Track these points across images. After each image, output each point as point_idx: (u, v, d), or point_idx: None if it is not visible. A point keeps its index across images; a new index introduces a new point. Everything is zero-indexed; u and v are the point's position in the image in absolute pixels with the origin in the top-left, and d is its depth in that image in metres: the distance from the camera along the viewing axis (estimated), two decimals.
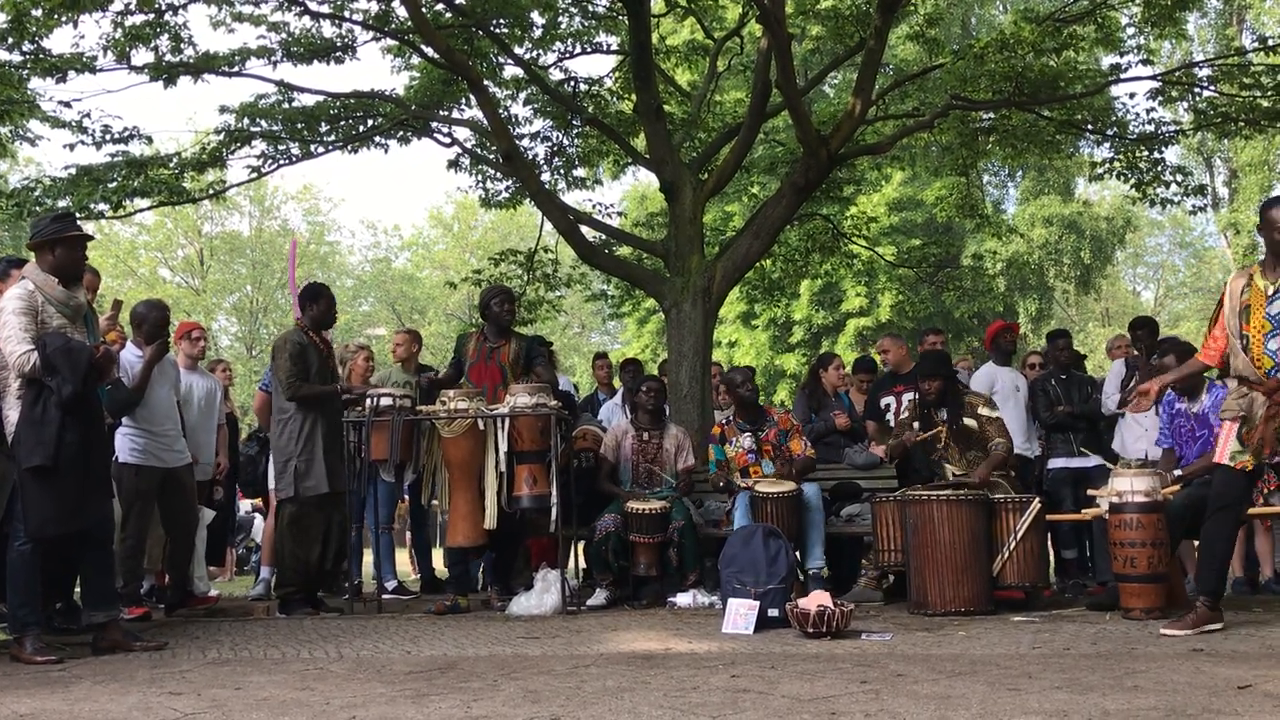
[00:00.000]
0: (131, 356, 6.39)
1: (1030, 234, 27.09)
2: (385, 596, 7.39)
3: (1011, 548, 6.04)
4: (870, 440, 7.70)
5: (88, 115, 9.65)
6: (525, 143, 11.89)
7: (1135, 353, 7.70)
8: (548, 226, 10.93)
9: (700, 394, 8.96)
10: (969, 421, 6.64)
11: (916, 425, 6.81)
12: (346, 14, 10.14)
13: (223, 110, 10.39)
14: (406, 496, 8.45)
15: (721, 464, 7.15)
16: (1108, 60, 10.88)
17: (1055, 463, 7.77)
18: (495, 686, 3.95)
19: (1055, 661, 4.28)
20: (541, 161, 12.21)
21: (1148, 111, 10.40)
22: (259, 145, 10.47)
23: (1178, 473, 6.09)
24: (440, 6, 10.13)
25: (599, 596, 6.82)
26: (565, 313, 20.72)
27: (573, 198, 12.44)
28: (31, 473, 4.80)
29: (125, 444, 6.26)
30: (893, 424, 7.70)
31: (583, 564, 7.19)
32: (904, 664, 4.29)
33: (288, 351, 6.69)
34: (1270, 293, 4.92)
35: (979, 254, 23.56)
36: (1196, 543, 6.59)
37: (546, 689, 3.86)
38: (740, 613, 5.44)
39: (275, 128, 10.49)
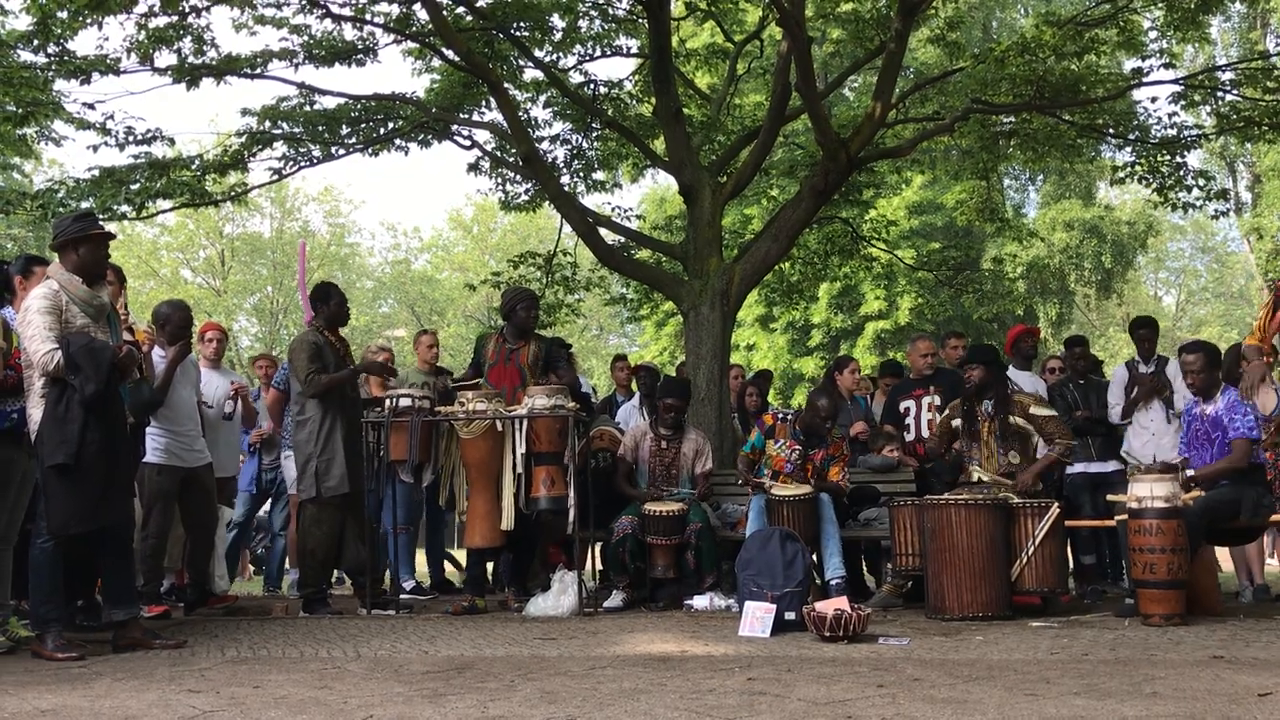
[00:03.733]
0: (155, 357, 6.44)
1: (1051, 238, 26.97)
2: (403, 597, 7.42)
3: (1030, 553, 6.02)
4: (882, 443, 7.65)
5: (111, 117, 9.71)
6: (545, 145, 11.91)
7: (1142, 366, 7.61)
8: (567, 229, 10.95)
9: (718, 397, 8.95)
10: (1018, 420, 6.57)
11: (957, 423, 6.74)
12: (368, 17, 10.19)
13: (244, 112, 10.46)
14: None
15: (757, 450, 7.10)
16: (1129, 64, 10.83)
17: (1074, 468, 7.73)
18: (512, 687, 3.96)
19: (1073, 667, 4.26)
20: (561, 164, 12.23)
21: (1170, 115, 10.35)
22: (280, 147, 10.54)
23: (1190, 473, 6.04)
24: (461, 9, 10.16)
25: (616, 598, 6.83)
26: (584, 315, 20.76)
27: (592, 200, 12.47)
28: (54, 471, 4.84)
29: (148, 443, 6.31)
30: (911, 428, 7.68)
31: (599, 566, 7.20)
32: (921, 668, 4.28)
33: (305, 351, 6.69)
34: None
35: (999, 258, 23.47)
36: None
37: (563, 690, 3.87)
38: (757, 616, 5.43)
39: (296, 130, 10.54)
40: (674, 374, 10.27)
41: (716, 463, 7.93)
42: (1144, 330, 7.85)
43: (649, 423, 7.48)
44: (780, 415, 7.26)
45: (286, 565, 9.11)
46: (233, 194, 10.96)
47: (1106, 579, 7.82)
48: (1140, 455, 7.16)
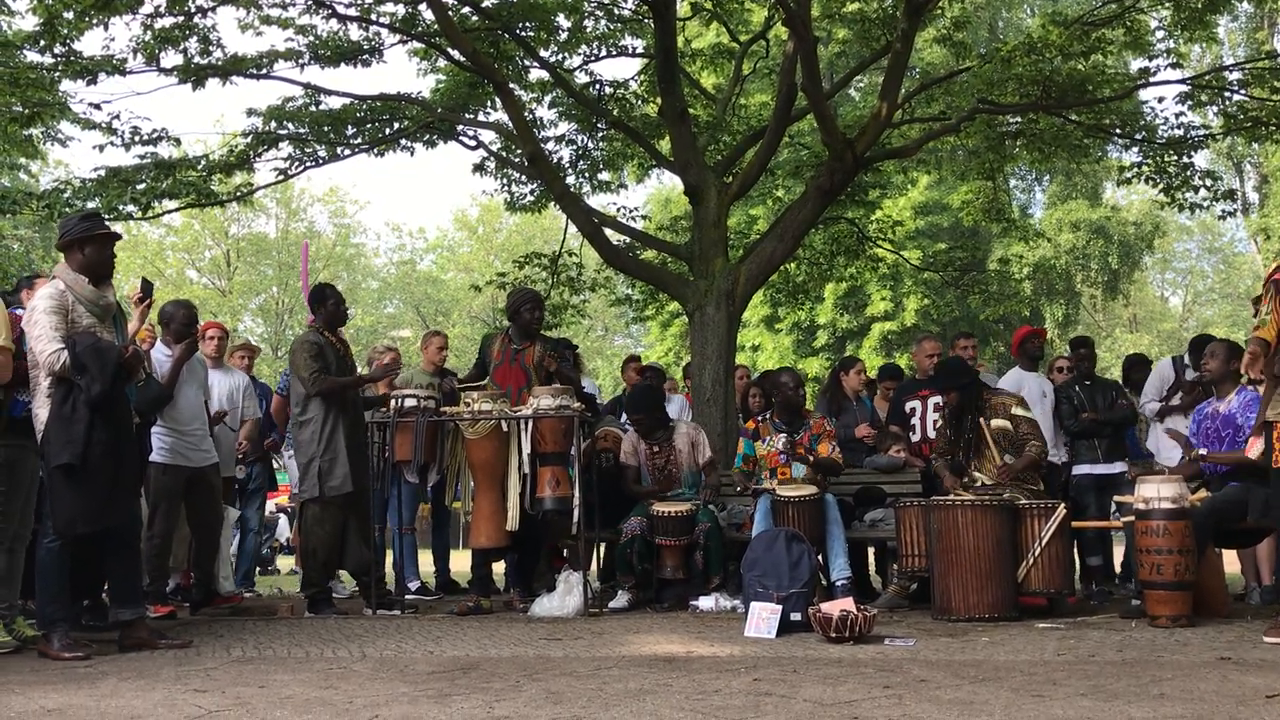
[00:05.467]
0: (160, 356, 6.44)
1: (1057, 238, 26.93)
2: (408, 597, 7.42)
3: (1036, 554, 6.00)
4: (889, 444, 7.63)
5: (117, 117, 9.73)
6: (550, 146, 11.91)
7: (1190, 371, 7.58)
8: (572, 229, 10.95)
9: (724, 397, 8.95)
10: (1001, 422, 6.56)
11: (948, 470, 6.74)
12: (373, 17, 10.20)
13: (250, 113, 10.47)
14: (429, 496, 8.46)
15: (749, 459, 7.11)
16: (1136, 64, 10.82)
17: (1079, 469, 7.71)
18: (517, 687, 3.96)
19: (1080, 669, 4.25)
20: (566, 164, 12.23)
21: (1177, 115, 10.33)
22: (286, 147, 10.54)
23: (1203, 451, 6.01)
24: (466, 10, 10.16)
25: (621, 599, 6.81)
26: (589, 316, 20.78)
27: (597, 201, 12.48)
28: (60, 471, 4.84)
29: (154, 443, 6.31)
30: (916, 428, 7.66)
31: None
32: (927, 669, 4.27)
33: (306, 351, 6.69)
34: None
35: (1005, 258, 23.46)
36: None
37: (569, 690, 3.87)
38: (762, 616, 5.42)
39: (302, 130, 10.55)
40: (680, 375, 10.25)
41: (721, 463, 7.92)
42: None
43: (631, 431, 7.43)
44: (760, 417, 7.35)
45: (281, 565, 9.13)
46: (238, 194, 10.98)
47: (1113, 580, 7.80)
48: (1166, 457, 7.13)
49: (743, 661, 4.56)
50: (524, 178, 11.97)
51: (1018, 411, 6.60)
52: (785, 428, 7.05)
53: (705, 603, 6.60)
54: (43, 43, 8.95)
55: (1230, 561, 7.82)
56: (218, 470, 6.81)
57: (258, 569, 11.79)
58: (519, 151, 10.63)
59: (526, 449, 6.46)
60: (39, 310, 4.95)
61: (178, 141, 10.17)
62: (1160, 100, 17.33)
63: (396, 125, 10.90)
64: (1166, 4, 9.58)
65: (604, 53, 11.71)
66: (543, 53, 10.87)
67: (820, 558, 6.62)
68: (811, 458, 6.93)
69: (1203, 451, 6.02)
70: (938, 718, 3.32)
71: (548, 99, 11.83)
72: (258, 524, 8.88)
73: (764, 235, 10.36)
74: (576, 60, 11.69)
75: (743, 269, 9.30)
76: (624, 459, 7.31)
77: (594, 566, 7.45)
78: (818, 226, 11.58)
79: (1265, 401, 5.14)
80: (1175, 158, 10.47)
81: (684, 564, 6.79)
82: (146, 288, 5.91)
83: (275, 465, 9.78)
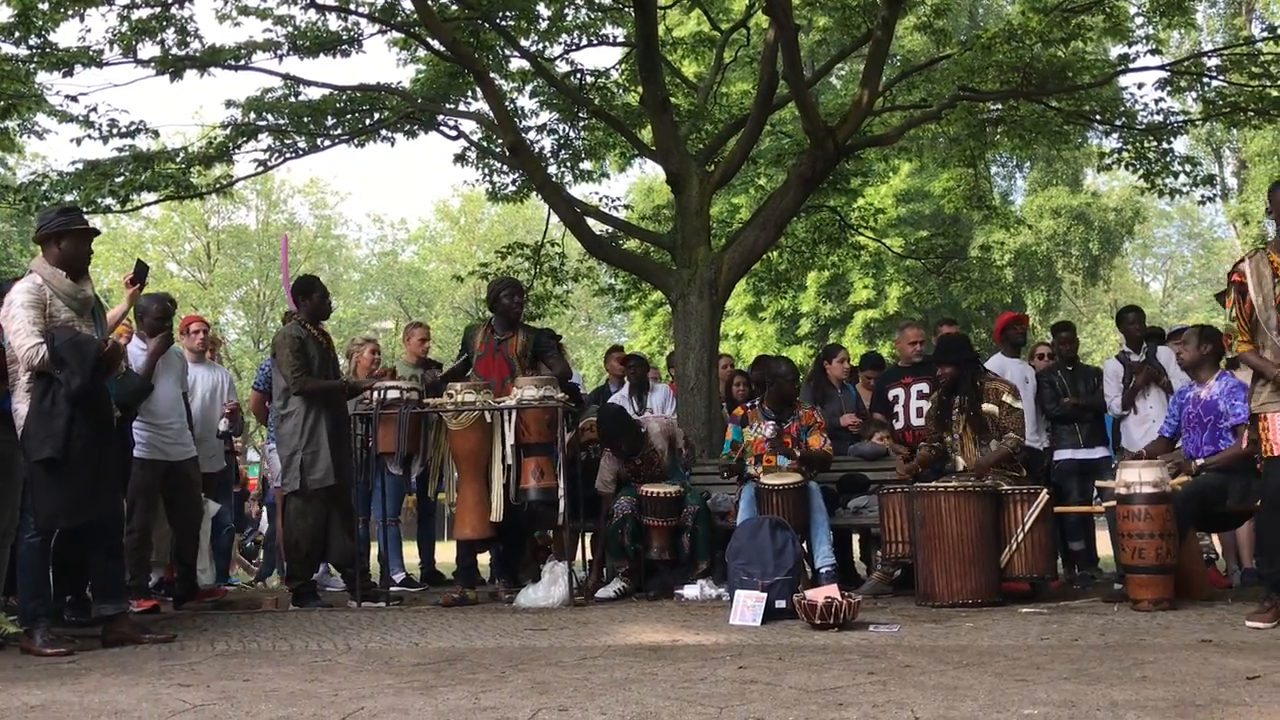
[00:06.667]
0: (135, 350, 6.39)
1: (1038, 225, 27.03)
2: (393, 589, 7.40)
3: (1019, 539, 6.03)
4: (873, 431, 7.65)
5: (94, 109, 9.66)
6: (531, 135, 11.88)
7: (1134, 356, 7.65)
8: (554, 219, 10.92)
9: (707, 386, 8.95)
10: (989, 406, 6.56)
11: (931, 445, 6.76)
12: (352, 7, 10.14)
13: (229, 104, 10.41)
14: (415, 487, 8.44)
15: (737, 445, 7.10)
16: (1116, 50, 10.85)
17: (1061, 454, 7.74)
18: (503, 678, 3.95)
19: (1063, 652, 4.28)
20: (548, 154, 12.20)
21: (1156, 102, 10.38)
22: (265, 139, 10.49)
23: (1199, 462, 6.05)
24: None
25: (610, 588, 6.77)
26: (572, 306, 20.72)
27: (579, 190, 12.52)
28: (41, 466, 4.81)
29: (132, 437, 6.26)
30: (900, 415, 7.67)
31: (589, 555, 7.16)
32: (911, 655, 4.28)
33: (289, 346, 6.64)
34: None
35: (987, 245, 23.56)
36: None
37: (554, 680, 3.87)
38: (747, 604, 5.43)
39: (282, 121, 10.49)
40: (664, 364, 10.23)
41: (705, 451, 7.92)
42: (1132, 315, 7.91)
43: (608, 452, 7.32)
44: (749, 404, 7.33)
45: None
46: (218, 186, 10.92)
47: (1095, 564, 7.85)
48: (1139, 445, 7.16)
49: (728, 649, 4.57)
50: (505, 168, 11.94)
51: (1008, 400, 6.58)
52: (774, 416, 7.05)
53: (690, 591, 6.60)
54: (17, 34, 8.88)
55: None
56: (196, 464, 6.77)
57: (256, 564, 11.78)
58: (500, 141, 10.60)
59: (510, 440, 6.45)
60: (16, 304, 4.90)
61: (156, 134, 10.13)
62: (1140, 86, 17.55)
63: (377, 116, 10.86)
64: None
65: (585, 42, 11.68)
66: (523, 42, 10.84)
67: (804, 545, 6.62)
68: (799, 451, 6.92)
69: (1199, 462, 6.04)
70: (922, 702, 3.33)
71: (529, 88, 11.80)
72: (230, 518, 8.84)
73: (746, 224, 10.36)
74: (557, 49, 11.66)
75: (725, 258, 9.30)
76: (601, 486, 7.10)
77: (579, 556, 7.43)
78: (800, 215, 11.60)
79: (1250, 394, 5.16)
80: (1155, 144, 10.52)
81: (670, 546, 6.76)
82: (141, 270, 5.84)
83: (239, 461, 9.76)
